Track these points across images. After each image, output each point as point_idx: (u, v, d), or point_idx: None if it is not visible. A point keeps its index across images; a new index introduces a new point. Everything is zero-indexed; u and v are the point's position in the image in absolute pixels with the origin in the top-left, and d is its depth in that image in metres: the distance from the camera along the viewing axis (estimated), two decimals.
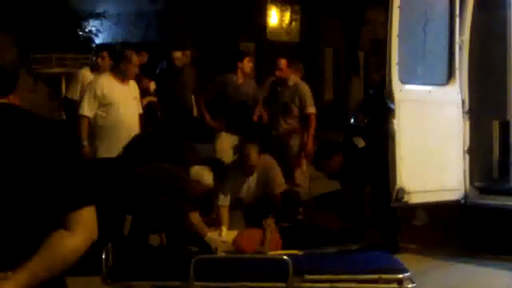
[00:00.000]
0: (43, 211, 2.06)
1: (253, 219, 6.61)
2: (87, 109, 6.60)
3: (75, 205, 2.07)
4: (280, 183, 6.69)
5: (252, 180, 6.64)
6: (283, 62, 7.99)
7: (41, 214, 2.06)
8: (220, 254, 5.96)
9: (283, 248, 6.23)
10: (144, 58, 8.48)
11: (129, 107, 6.75)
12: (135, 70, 6.81)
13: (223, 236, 6.21)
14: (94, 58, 7.96)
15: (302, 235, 6.48)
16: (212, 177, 6.02)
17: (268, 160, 6.79)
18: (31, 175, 2.05)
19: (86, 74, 7.74)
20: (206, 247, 5.98)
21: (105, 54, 7.72)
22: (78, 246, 2.07)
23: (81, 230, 2.07)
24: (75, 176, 2.10)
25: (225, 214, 6.42)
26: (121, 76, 6.72)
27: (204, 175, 5.94)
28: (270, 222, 6.32)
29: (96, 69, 7.75)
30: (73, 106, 7.51)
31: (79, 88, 7.56)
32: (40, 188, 2.05)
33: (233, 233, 6.26)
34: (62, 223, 2.06)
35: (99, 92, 6.62)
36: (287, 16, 19.08)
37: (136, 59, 6.85)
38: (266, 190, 6.65)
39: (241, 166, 6.58)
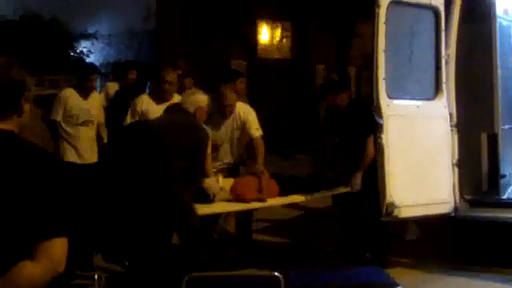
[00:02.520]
0: (17, 239, 2.06)
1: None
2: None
3: (43, 235, 2.07)
4: (257, 127, 6.71)
5: (229, 124, 6.65)
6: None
7: (15, 241, 2.07)
8: (218, 202, 5.95)
9: (280, 195, 6.32)
10: (133, 76, 8.51)
11: None
12: (171, 88, 6.82)
13: (220, 184, 6.17)
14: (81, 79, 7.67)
15: (297, 183, 6.56)
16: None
17: (244, 105, 6.85)
18: (7, 203, 2.06)
19: (70, 93, 7.54)
20: (204, 195, 5.96)
21: (93, 77, 7.67)
22: (35, 277, 2.05)
23: (44, 261, 2.06)
24: (47, 207, 2.09)
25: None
26: (158, 95, 6.82)
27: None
28: (262, 169, 6.32)
29: (82, 90, 7.51)
30: (56, 128, 7.42)
31: (61, 110, 7.39)
32: (14, 215, 2.06)
33: (229, 181, 6.22)
34: (31, 252, 2.06)
35: (138, 109, 6.77)
36: (278, 33, 19.17)
37: (171, 77, 6.87)
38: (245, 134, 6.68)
39: (219, 109, 6.58)
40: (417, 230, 7.54)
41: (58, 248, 2.09)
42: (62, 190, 2.18)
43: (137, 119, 6.69)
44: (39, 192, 2.09)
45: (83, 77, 7.50)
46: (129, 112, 6.88)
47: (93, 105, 7.55)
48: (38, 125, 7.40)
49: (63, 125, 7.39)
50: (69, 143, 7.36)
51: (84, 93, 7.45)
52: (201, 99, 5.93)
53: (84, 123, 7.40)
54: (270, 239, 7.89)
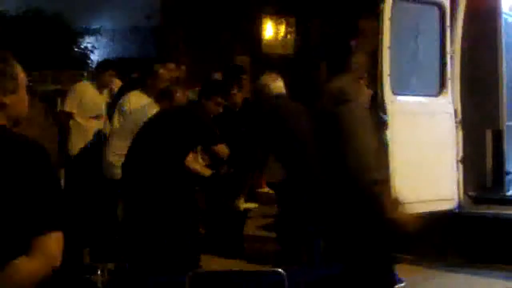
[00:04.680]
0: (12, 235, 2.04)
1: None
2: (116, 125, 6.78)
3: (38, 230, 2.04)
4: None
5: None
6: None
7: (10, 237, 2.04)
8: None
9: None
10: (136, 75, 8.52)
11: None
12: (163, 84, 6.74)
13: None
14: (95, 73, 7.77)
15: None
16: None
17: None
18: (1, 198, 2.04)
19: (85, 87, 7.66)
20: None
21: (112, 72, 7.73)
22: (31, 272, 2.03)
23: (39, 257, 2.03)
24: (41, 201, 2.06)
25: None
26: (150, 91, 6.75)
27: None
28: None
29: (98, 84, 7.68)
30: (68, 120, 7.50)
31: (76, 101, 7.52)
32: (8, 211, 2.03)
33: None
34: (26, 247, 2.03)
35: (126, 109, 6.76)
36: (282, 29, 19.11)
37: (164, 73, 6.84)
38: None
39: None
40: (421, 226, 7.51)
41: (53, 243, 2.06)
42: (55, 184, 2.16)
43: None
44: (32, 186, 2.07)
45: (101, 70, 7.61)
46: (115, 113, 6.91)
47: (103, 100, 7.64)
48: (41, 120, 7.42)
49: (77, 117, 7.45)
50: (80, 137, 7.39)
51: (99, 86, 7.56)
52: (282, 84, 6.03)
53: (97, 117, 7.47)
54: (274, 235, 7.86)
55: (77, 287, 5.24)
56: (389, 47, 6.08)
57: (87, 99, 7.50)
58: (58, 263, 2.08)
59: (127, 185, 5.78)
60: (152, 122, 5.93)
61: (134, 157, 5.77)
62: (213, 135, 5.83)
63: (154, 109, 6.23)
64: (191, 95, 7.95)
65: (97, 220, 6.45)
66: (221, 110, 5.96)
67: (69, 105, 7.54)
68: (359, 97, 4.25)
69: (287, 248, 5.81)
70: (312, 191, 5.42)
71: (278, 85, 6.01)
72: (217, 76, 8.57)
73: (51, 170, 2.15)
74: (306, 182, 5.65)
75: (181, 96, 6.43)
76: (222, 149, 5.93)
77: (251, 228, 7.95)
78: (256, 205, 6.81)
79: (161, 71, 6.82)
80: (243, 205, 6.45)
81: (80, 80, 8.11)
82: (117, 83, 8.83)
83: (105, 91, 8.75)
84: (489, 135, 6.98)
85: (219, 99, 5.88)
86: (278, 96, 5.98)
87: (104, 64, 8.07)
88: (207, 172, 6.29)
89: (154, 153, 5.68)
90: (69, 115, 7.51)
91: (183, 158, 5.85)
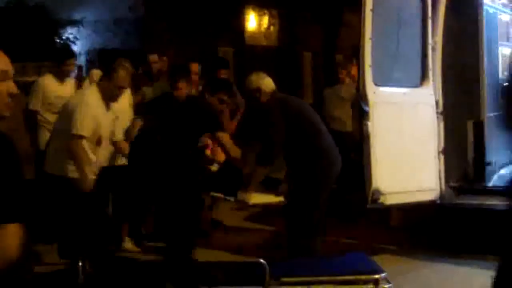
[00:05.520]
0: None
1: None
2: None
3: None
4: None
5: None
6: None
7: None
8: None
9: None
10: None
11: (126, 116, 6.71)
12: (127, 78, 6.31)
13: None
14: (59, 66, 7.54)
15: None
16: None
17: None
18: None
19: (47, 80, 7.41)
20: None
21: (71, 61, 7.58)
22: None
23: None
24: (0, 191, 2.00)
25: None
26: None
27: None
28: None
29: (58, 75, 7.40)
30: (35, 117, 7.27)
31: (40, 98, 7.26)
32: None
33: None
34: None
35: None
36: (265, 20, 19.11)
37: (128, 66, 6.70)
38: None
39: None
40: (402, 217, 7.55)
41: (9, 236, 2.00)
42: (17, 177, 2.09)
43: None
44: None
45: (59, 61, 7.42)
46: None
47: (68, 92, 7.43)
48: (24, 112, 7.26)
49: (43, 113, 7.25)
50: (47, 132, 7.19)
51: (60, 78, 7.34)
52: (263, 81, 5.91)
53: None
54: (259, 227, 7.88)
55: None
56: (371, 38, 6.08)
57: (49, 94, 7.23)
58: (14, 257, 2.01)
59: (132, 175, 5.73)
60: (163, 113, 5.93)
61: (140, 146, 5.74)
62: (217, 122, 5.80)
63: (89, 95, 5.93)
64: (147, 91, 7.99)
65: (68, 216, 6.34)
66: (223, 109, 5.88)
67: (33, 103, 7.27)
68: None
69: (295, 239, 5.78)
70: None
71: (268, 81, 5.96)
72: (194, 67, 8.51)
73: (13, 163, 2.10)
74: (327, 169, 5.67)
75: (124, 74, 6.11)
76: (227, 138, 5.89)
77: (235, 220, 7.98)
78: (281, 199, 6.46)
79: (126, 64, 6.57)
80: (254, 199, 6.33)
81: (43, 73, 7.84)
82: (98, 74, 8.76)
83: (86, 82, 8.69)
84: (470, 126, 7.01)
85: (224, 97, 5.79)
86: (275, 92, 5.95)
87: (62, 54, 7.84)
88: (214, 167, 6.26)
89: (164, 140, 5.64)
90: (36, 112, 7.26)
91: (190, 146, 5.80)
